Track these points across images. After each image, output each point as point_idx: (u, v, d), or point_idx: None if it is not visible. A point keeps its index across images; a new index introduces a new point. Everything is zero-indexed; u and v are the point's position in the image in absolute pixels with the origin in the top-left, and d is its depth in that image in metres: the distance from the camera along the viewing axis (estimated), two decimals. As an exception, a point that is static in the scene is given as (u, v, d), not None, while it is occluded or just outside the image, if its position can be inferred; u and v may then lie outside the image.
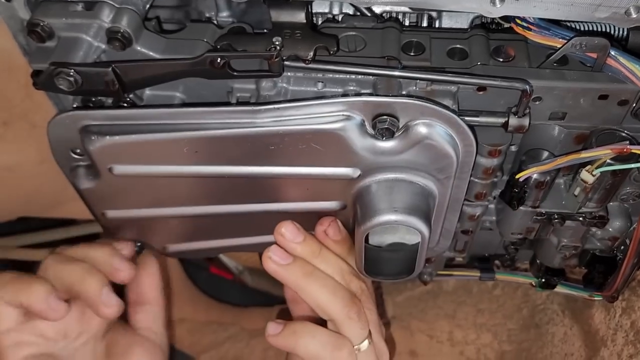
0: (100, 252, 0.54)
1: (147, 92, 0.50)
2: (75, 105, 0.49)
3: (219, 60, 0.45)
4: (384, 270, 0.58)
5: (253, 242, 0.61)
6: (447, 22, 0.55)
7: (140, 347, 0.59)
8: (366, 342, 0.54)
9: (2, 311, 0.51)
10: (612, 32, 0.49)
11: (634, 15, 0.43)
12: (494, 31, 0.52)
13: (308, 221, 0.56)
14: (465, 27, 0.55)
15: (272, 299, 1.25)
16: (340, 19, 0.54)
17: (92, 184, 0.51)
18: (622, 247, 0.61)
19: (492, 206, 0.61)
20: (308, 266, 0.53)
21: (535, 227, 0.58)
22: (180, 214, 0.55)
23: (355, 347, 0.53)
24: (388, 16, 0.54)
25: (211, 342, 1.11)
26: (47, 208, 0.86)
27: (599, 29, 0.49)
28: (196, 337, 1.12)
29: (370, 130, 0.46)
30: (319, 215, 0.55)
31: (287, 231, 0.53)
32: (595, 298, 0.66)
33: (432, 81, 0.47)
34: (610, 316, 0.85)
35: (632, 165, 0.48)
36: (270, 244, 0.60)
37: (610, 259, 0.62)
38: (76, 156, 0.50)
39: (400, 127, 0.46)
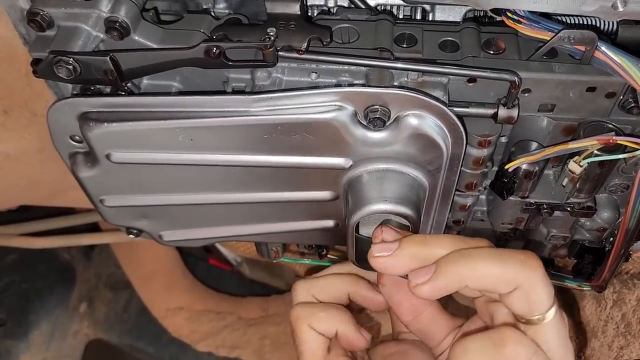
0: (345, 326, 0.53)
1: (145, 81, 0.51)
2: (74, 93, 0.50)
3: (214, 50, 0.46)
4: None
5: (248, 232, 0.62)
6: (440, 15, 0.56)
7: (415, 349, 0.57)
8: (555, 308, 0.44)
9: (316, 341, 0.52)
10: (601, 25, 0.50)
11: (620, 9, 0.44)
12: (485, 24, 0.53)
13: (301, 211, 0.57)
14: (458, 20, 0.55)
15: (268, 290, 1.27)
16: (334, 12, 0.55)
17: (90, 170, 0.52)
18: (611, 239, 0.62)
19: (483, 197, 0.62)
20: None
21: (525, 217, 0.59)
22: (176, 201, 0.56)
23: (550, 310, 0.43)
24: (382, 9, 0.55)
25: (208, 331, 1.12)
26: (47, 197, 0.87)
27: (588, 23, 0.50)
28: (194, 326, 1.13)
29: (362, 120, 0.47)
30: (312, 205, 0.56)
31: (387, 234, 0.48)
32: (584, 288, 0.67)
33: (423, 72, 0.48)
34: (601, 308, 0.86)
35: (618, 156, 0.49)
36: (264, 233, 0.61)
37: (599, 250, 0.63)
38: (75, 143, 0.51)
39: (391, 118, 0.47)
